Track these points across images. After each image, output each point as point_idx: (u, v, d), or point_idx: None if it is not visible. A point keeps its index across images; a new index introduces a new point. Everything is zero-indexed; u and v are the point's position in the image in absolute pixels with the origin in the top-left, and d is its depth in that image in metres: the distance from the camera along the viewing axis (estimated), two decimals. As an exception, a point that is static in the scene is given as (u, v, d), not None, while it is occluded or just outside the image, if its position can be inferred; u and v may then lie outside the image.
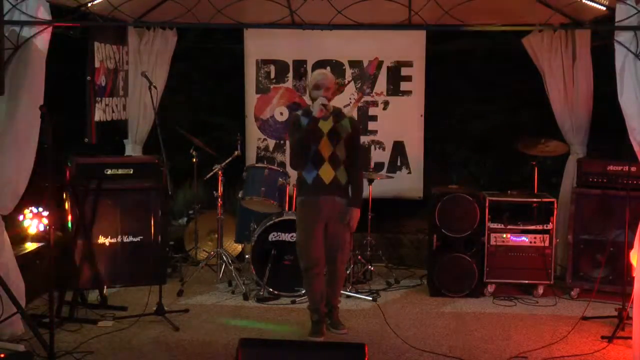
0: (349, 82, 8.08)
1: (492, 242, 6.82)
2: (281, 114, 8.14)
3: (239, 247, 7.82)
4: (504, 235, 6.81)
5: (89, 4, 6.30)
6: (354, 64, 8.09)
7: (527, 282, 6.84)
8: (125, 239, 7.01)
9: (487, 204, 6.80)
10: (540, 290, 6.82)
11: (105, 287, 6.49)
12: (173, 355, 5.35)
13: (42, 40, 5.37)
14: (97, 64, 7.23)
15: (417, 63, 8.03)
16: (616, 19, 5.11)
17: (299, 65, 8.10)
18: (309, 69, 7.97)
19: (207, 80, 8.54)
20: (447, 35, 7.76)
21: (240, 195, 6.83)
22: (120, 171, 6.88)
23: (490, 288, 6.86)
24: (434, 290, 6.86)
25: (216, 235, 7.33)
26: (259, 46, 8.15)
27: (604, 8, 6.16)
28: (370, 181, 7.13)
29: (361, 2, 5.31)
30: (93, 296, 6.44)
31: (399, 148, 8.15)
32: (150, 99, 6.28)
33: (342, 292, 6.22)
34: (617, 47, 5.11)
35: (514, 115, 8.24)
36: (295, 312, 6.30)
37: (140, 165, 6.99)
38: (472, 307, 6.54)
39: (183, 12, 5.61)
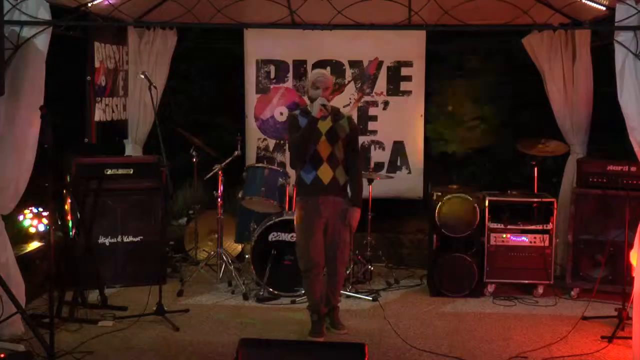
0: (349, 82, 8.08)
1: (492, 242, 6.82)
2: (281, 113, 8.14)
3: (239, 247, 7.82)
4: (504, 235, 6.82)
5: (89, 4, 6.30)
6: (354, 64, 8.10)
7: (527, 282, 6.84)
8: (126, 239, 7.01)
9: (487, 204, 6.80)
10: (540, 290, 6.82)
11: (105, 287, 6.49)
12: (173, 355, 5.35)
13: (42, 40, 5.37)
14: (97, 64, 7.23)
15: (417, 63, 8.04)
16: (616, 19, 5.11)
17: (299, 65, 8.11)
18: (309, 69, 7.97)
19: (207, 80, 8.53)
20: (447, 35, 7.75)
21: (240, 195, 6.84)
22: (120, 171, 6.87)
23: (490, 288, 6.86)
24: (434, 290, 6.86)
25: (216, 235, 7.33)
26: (259, 46, 8.15)
27: (604, 8, 6.17)
28: (370, 181, 7.13)
29: (361, 2, 5.30)
30: (93, 296, 6.44)
31: (399, 148, 8.15)
32: (150, 98, 6.28)
33: (342, 292, 6.22)
34: (617, 47, 5.12)
35: (514, 116, 8.24)
36: (295, 312, 6.30)
37: (140, 165, 6.98)
38: (472, 307, 6.54)
39: (183, 12, 5.61)
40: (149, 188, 6.94)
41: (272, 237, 6.68)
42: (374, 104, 8.14)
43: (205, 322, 6.06)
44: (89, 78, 7.16)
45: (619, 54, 5.11)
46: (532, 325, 6.05)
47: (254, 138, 8.23)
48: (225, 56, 8.40)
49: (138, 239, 7.02)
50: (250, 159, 8.12)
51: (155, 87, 6.34)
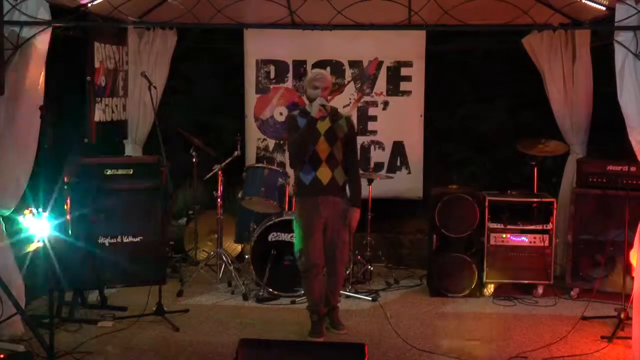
0: (348, 82, 8.08)
1: (492, 242, 6.82)
2: (281, 114, 8.14)
3: (238, 247, 7.82)
4: (504, 235, 6.82)
5: (89, 4, 6.30)
6: (354, 64, 8.09)
7: (526, 282, 6.84)
8: (125, 239, 7.00)
9: (486, 204, 6.80)
10: (540, 290, 6.82)
11: (105, 287, 6.49)
12: (173, 355, 5.35)
13: (42, 41, 5.37)
14: (96, 64, 7.23)
15: (417, 63, 8.03)
16: (616, 19, 5.11)
17: (299, 65, 8.10)
18: (308, 69, 7.95)
19: (207, 81, 8.53)
20: (447, 35, 7.75)
21: (240, 196, 6.84)
22: (120, 171, 6.90)
23: (490, 288, 6.86)
24: (434, 290, 6.86)
25: (216, 236, 7.33)
26: (258, 46, 8.14)
27: (604, 8, 6.17)
28: (370, 181, 7.13)
29: (361, 3, 5.31)
30: (93, 296, 6.45)
31: (398, 148, 8.14)
32: (150, 99, 6.28)
33: (341, 292, 6.22)
34: (616, 47, 5.12)
35: (514, 116, 8.23)
36: (294, 312, 6.30)
37: (140, 166, 7.00)
38: (472, 307, 6.54)
39: (183, 12, 5.62)
40: (149, 188, 6.93)
41: (271, 237, 6.68)
42: (374, 104, 8.14)
43: (205, 323, 6.06)
44: (88, 78, 7.16)
45: (619, 54, 5.11)
46: (531, 326, 6.05)
47: (254, 138, 8.22)
48: (225, 56, 8.40)
49: (138, 239, 7.02)
50: (250, 159, 8.12)
51: (155, 87, 6.34)
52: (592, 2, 6.16)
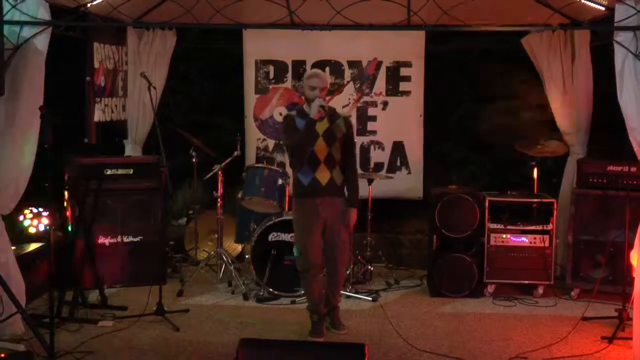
0: (348, 82, 8.08)
1: (492, 243, 6.82)
2: (280, 114, 8.13)
3: (238, 247, 7.82)
4: (504, 236, 6.81)
5: (89, 5, 6.30)
6: (353, 64, 8.09)
7: (527, 282, 6.84)
8: (125, 239, 7.01)
9: (487, 205, 6.80)
10: (540, 290, 6.82)
11: (105, 287, 6.49)
12: (173, 355, 5.35)
13: (41, 41, 5.37)
14: (96, 64, 7.23)
15: (416, 63, 8.03)
16: (615, 19, 5.11)
17: (298, 65, 8.10)
18: (308, 69, 7.96)
19: (206, 81, 8.53)
20: (446, 35, 7.75)
21: (240, 196, 6.84)
22: (120, 171, 6.89)
23: (490, 288, 6.86)
24: (434, 290, 6.86)
25: (216, 236, 7.33)
26: (258, 46, 8.14)
27: (603, 8, 6.17)
28: (370, 181, 7.12)
29: (360, 3, 5.31)
30: (93, 296, 6.44)
31: (398, 148, 8.14)
32: (150, 99, 6.28)
33: (342, 292, 6.21)
34: (616, 47, 5.12)
35: (514, 116, 8.24)
36: (295, 312, 6.30)
37: (140, 166, 6.99)
38: (472, 307, 6.54)
39: (182, 13, 5.62)
40: (149, 188, 6.93)
41: (272, 237, 6.68)
42: (373, 104, 8.14)
43: (205, 322, 6.06)
44: (88, 78, 7.16)
45: (619, 54, 5.12)
46: (532, 326, 6.05)
47: (254, 138, 8.22)
48: (224, 56, 8.40)
49: (138, 239, 7.02)
50: (250, 159, 8.12)
51: (154, 87, 6.34)
52: (592, 2, 6.17)
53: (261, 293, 6.63)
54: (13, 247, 5.64)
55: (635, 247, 5.31)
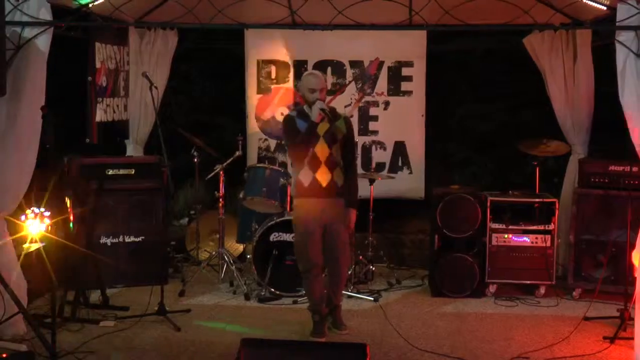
0: (349, 82, 8.08)
1: (494, 243, 6.81)
2: (282, 114, 8.11)
3: (240, 247, 7.82)
4: (506, 236, 6.81)
5: (90, 5, 6.30)
6: (355, 64, 8.09)
7: (528, 282, 6.83)
8: (127, 239, 7.01)
9: (488, 204, 6.80)
10: (542, 290, 6.82)
11: (107, 287, 6.49)
12: (175, 355, 5.35)
13: (43, 41, 5.37)
14: (98, 65, 7.24)
15: (418, 63, 8.03)
16: (617, 19, 5.11)
17: (300, 65, 8.10)
18: (309, 69, 7.96)
19: (208, 81, 8.55)
20: (447, 35, 7.76)
21: (241, 196, 6.84)
22: (121, 171, 6.90)
23: (492, 288, 6.86)
24: (436, 290, 6.86)
25: (217, 236, 7.33)
26: (259, 46, 8.14)
27: (605, 8, 6.16)
28: (372, 181, 7.12)
29: (362, 3, 5.30)
30: (95, 296, 6.44)
31: (400, 148, 8.14)
32: (151, 99, 6.28)
33: (343, 292, 6.21)
34: (618, 47, 5.11)
35: (515, 116, 8.24)
36: (296, 312, 6.30)
37: (142, 166, 7.00)
38: (474, 307, 6.54)
39: (184, 13, 5.61)
40: (150, 188, 6.93)
41: (273, 237, 6.68)
42: (375, 104, 8.14)
43: (206, 322, 6.06)
44: (90, 78, 7.16)
45: (620, 53, 5.11)
46: (533, 326, 6.04)
47: (255, 138, 8.22)
48: (226, 56, 8.42)
49: (139, 239, 7.02)
50: (252, 159, 8.12)
51: (156, 87, 6.33)
52: (593, 1, 6.16)
53: (263, 293, 6.63)
54: (14, 247, 5.64)
55: (637, 246, 5.31)
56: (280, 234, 6.67)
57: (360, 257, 7.20)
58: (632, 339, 5.26)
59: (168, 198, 7.14)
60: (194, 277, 7.11)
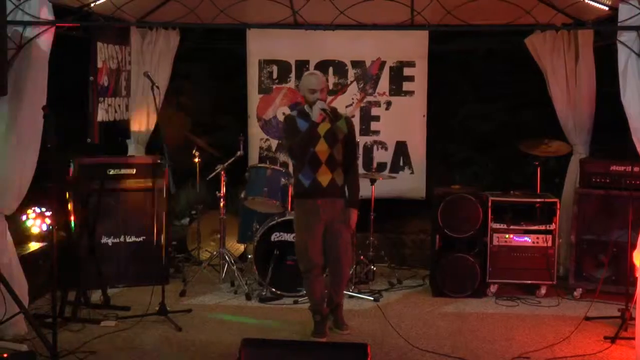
0: (351, 82, 8.08)
1: (495, 243, 6.81)
2: (283, 114, 8.13)
3: (241, 247, 7.82)
4: (507, 236, 6.81)
5: (92, 4, 6.31)
6: (357, 64, 8.09)
7: (529, 282, 6.83)
8: (128, 239, 7.01)
9: (489, 204, 6.80)
10: (543, 290, 6.81)
11: (108, 287, 6.50)
12: (175, 355, 5.36)
13: (45, 41, 5.37)
14: (99, 64, 7.24)
15: (420, 63, 8.03)
16: (619, 19, 5.11)
17: (302, 65, 8.10)
18: (311, 69, 7.96)
19: (210, 81, 8.55)
20: (449, 35, 7.75)
21: (242, 196, 6.84)
22: (122, 171, 6.91)
23: (493, 288, 6.86)
24: (437, 290, 6.86)
25: (219, 236, 7.32)
26: (261, 46, 8.14)
27: (607, 8, 6.16)
28: (373, 181, 7.12)
29: (364, 3, 5.31)
30: (96, 296, 6.44)
31: (401, 148, 8.14)
32: (153, 99, 6.28)
33: (344, 292, 6.20)
34: (619, 47, 5.11)
35: (517, 116, 8.24)
36: (297, 312, 6.30)
37: (143, 166, 7.01)
38: (475, 307, 6.54)
39: (186, 13, 5.62)
40: (152, 188, 6.93)
41: (274, 237, 6.68)
42: (377, 104, 8.13)
43: (207, 322, 6.06)
44: (91, 78, 7.16)
45: (622, 54, 5.11)
46: (534, 326, 6.04)
47: (257, 138, 8.22)
48: (228, 56, 8.41)
49: (141, 239, 7.02)
50: (253, 159, 8.12)
51: (157, 87, 6.34)
52: (595, 2, 6.16)
53: (264, 293, 6.63)
54: (16, 247, 5.65)
55: (638, 247, 5.30)
56: (281, 234, 6.67)
57: (362, 257, 7.20)
58: (633, 338, 5.26)
59: (169, 198, 7.13)
60: (195, 277, 7.11)
